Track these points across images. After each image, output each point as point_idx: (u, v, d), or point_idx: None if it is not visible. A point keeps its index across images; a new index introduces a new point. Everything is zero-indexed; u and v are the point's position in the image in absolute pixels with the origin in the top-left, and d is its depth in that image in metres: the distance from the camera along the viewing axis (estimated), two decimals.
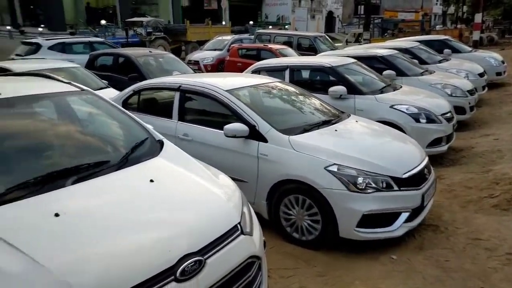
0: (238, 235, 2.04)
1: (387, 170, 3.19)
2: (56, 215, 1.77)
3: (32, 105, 2.73)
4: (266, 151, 3.43)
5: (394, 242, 3.27)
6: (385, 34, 21.84)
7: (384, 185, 3.14)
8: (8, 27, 22.64)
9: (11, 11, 25.63)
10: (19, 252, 1.56)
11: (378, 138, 3.88)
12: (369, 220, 3.09)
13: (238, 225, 2.08)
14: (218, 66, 13.27)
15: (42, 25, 21.97)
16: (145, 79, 6.55)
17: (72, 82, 3.05)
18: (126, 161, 2.37)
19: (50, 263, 1.53)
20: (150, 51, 8.92)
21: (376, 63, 6.90)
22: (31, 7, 25.53)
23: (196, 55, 14.20)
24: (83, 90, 2.97)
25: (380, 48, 8.14)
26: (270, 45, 11.73)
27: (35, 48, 11.54)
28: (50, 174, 2.10)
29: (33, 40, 12.54)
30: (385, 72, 6.47)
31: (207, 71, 12.86)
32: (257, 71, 6.28)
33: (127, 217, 1.88)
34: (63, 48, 11.77)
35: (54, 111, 2.89)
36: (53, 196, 1.95)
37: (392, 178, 3.16)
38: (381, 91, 5.60)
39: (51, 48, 11.55)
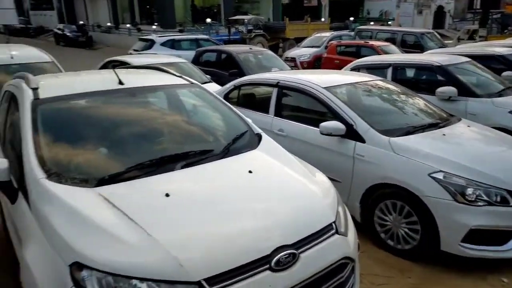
0: (333, 234, 2.02)
1: (503, 182, 2.84)
2: (167, 195, 1.95)
3: (149, 95, 3.03)
4: (363, 151, 3.31)
5: (506, 264, 2.92)
6: (505, 31, 19.32)
7: (498, 198, 2.81)
8: (128, 25, 25.39)
9: (131, 11, 28.71)
10: (136, 224, 1.75)
11: (493, 146, 3.48)
12: (477, 235, 2.80)
13: (333, 224, 2.06)
14: (315, 63, 13.16)
15: (156, 23, 24.15)
16: (244, 75, 6.80)
17: (183, 76, 3.30)
18: (227, 151, 2.50)
19: (162, 237, 1.69)
20: (250, 48, 9.21)
21: (494, 63, 6.15)
22: (147, 7, 28.24)
23: (293, 52, 14.26)
24: (192, 83, 3.21)
25: (500, 46, 7.25)
26: (371, 42, 11.24)
27: (150, 44, 12.77)
28: (162, 158, 2.32)
29: (149, 37, 13.87)
30: (504, 73, 5.74)
31: (303, 68, 12.85)
32: (356, 69, 6.08)
33: (228, 203, 1.99)
34: (173, 45, 12.84)
35: (167, 102, 3.17)
36: (164, 178, 2.14)
37: (509, 192, 2.81)
38: (499, 94, 4.99)
39: (163, 44, 12.69)
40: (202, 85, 3.34)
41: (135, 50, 12.82)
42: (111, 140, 2.50)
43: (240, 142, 2.66)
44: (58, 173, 2.07)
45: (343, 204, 2.40)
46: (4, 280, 2.82)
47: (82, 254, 1.62)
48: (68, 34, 25.65)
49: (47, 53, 6.83)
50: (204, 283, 1.58)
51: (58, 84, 3.04)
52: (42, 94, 2.58)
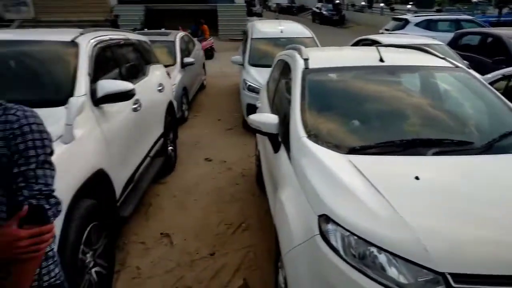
0: None
1: None
2: (417, 178, 1.86)
3: (408, 74, 2.95)
4: None
5: None
6: None
7: None
8: (381, 4, 25.10)
9: None
10: (382, 197, 1.74)
11: None
12: None
13: None
14: None
15: (411, 3, 22.92)
16: None
17: (447, 58, 3.04)
18: (490, 147, 2.19)
19: (408, 216, 1.62)
20: None
21: None
22: None
23: None
24: (457, 67, 2.92)
25: None
26: None
27: (403, 24, 12.20)
28: (414, 140, 2.24)
29: (403, 17, 13.29)
30: None
31: None
32: None
33: (489, 206, 1.74)
34: (428, 25, 11.85)
35: (427, 83, 3.01)
36: (414, 160, 2.07)
37: None
38: None
39: (417, 24, 11.87)
40: (469, 70, 2.99)
41: (386, 30, 12.57)
42: (364, 114, 2.59)
43: (509, 140, 2.27)
44: (316, 135, 2.30)
45: None
46: None
47: (331, 209, 1.74)
48: (324, 12, 27.66)
49: (309, 29, 7.59)
50: (449, 277, 1.46)
51: (323, 57, 3.34)
52: (311, 65, 2.89)
